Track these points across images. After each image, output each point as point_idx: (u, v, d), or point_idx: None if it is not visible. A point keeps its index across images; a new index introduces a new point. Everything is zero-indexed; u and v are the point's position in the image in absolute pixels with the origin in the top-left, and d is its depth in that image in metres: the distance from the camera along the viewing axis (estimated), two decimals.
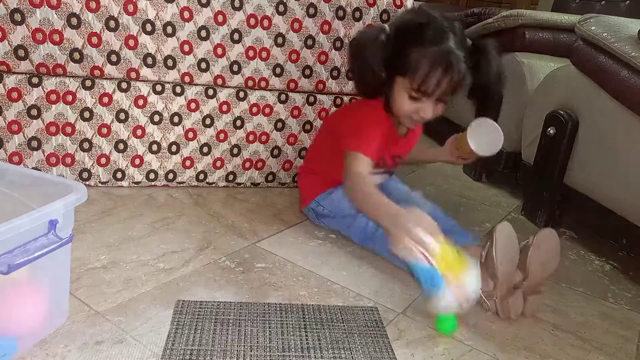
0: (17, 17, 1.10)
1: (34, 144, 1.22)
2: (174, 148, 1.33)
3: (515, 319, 0.96)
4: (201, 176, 1.37)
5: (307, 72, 1.35)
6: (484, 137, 1.15)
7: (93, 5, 1.14)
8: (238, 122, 1.35)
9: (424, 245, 0.83)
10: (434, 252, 0.83)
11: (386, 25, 1.04)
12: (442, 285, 0.83)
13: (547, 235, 0.97)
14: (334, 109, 1.42)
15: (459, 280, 0.84)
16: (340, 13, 1.32)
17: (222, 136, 1.35)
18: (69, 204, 0.72)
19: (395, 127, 1.15)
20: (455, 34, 0.99)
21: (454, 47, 0.97)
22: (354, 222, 1.13)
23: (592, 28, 1.23)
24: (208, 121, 1.33)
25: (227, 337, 0.80)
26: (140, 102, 1.26)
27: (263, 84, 1.33)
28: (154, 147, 1.31)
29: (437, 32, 0.98)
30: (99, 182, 1.30)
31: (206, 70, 1.27)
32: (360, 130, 1.08)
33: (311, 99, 1.39)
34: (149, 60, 1.22)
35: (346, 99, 1.42)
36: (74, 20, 1.14)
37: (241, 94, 1.33)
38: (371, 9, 1.34)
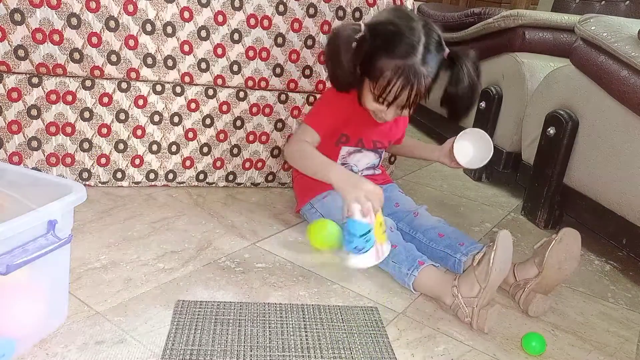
0: (17, 17, 1.10)
1: (34, 144, 1.22)
2: (174, 148, 1.33)
3: (515, 320, 0.96)
4: (201, 176, 1.37)
5: (307, 72, 1.35)
6: (471, 150, 1.16)
7: (93, 5, 1.14)
8: (238, 122, 1.35)
9: (371, 204, 0.93)
10: (376, 213, 0.94)
11: (362, 25, 1.04)
12: (371, 245, 0.94)
13: (572, 234, 0.96)
14: None
15: (381, 244, 0.97)
16: (340, 13, 1.32)
17: (222, 136, 1.35)
18: (68, 204, 0.72)
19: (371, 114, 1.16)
20: (428, 47, 0.99)
21: (419, 63, 0.98)
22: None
23: (592, 28, 1.23)
24: (208, 121, 1.33)
25: (227, 337, 0.80)
26: (140, 102, 1.26)
27: (263, 84, 1.33)
28: (154, 147, 1.31)
29: (407, 45, 0.98)
30: (99, 182, 1.30)
31: (206, 70, 1.27)
32: (317, 108, 1.18)
33: (311, 99, 1.39)
34: (149, 60, 1.22)
35: None
36: (74, 20, 1.14)
37: (241, 94, 1.33)
38: (371, 9, 1.34)
